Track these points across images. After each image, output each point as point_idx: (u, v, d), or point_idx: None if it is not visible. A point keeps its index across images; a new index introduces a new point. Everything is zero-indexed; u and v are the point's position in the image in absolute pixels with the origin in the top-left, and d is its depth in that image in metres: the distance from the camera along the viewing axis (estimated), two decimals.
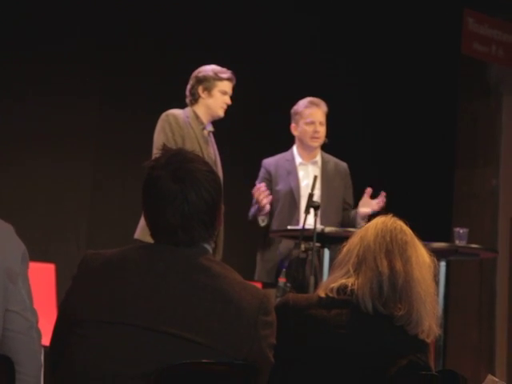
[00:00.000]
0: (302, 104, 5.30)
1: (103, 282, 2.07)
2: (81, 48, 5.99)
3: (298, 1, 7.03)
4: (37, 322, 2.19)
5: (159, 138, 4.79)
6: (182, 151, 2.23)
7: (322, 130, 5.26)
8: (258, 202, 4.99)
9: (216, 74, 4.91)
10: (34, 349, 2.17)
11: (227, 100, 4.93)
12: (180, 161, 2.15)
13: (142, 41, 6.25)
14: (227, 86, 4.93)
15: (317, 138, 5.25)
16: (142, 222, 4.71)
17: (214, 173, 2.16)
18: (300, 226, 4.66)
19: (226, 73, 4.94)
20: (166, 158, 2.15)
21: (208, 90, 4.91)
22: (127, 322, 2.01)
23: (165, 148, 2.22)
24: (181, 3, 6.44)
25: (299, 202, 5.18)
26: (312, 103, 5.28)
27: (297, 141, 5.36)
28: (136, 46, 6.23)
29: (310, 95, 5.39)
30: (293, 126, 5.33)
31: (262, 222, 5.13)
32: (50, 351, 2.14)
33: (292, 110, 5.33)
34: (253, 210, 5.11)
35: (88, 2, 6.02)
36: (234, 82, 4.96)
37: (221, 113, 4.94)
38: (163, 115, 4.85)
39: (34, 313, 2.18)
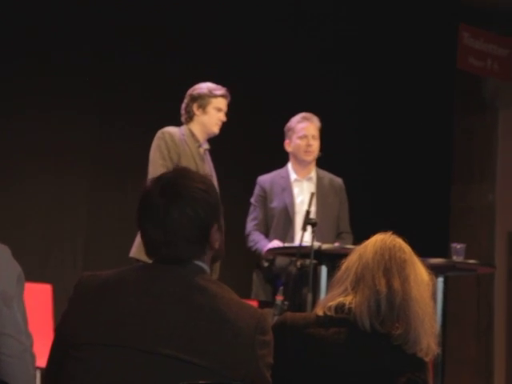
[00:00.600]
0: (295, 120, 5.33)
1: (99, 303, 2.05)
2: (78, 63, 6.00)
3: (292, 17, 7.04)
4: (31, 346, 2.18)
5: (155, 156, 4.80)
6: (182, 168, 2.23)
7: (316, 144, 5.28)
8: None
9: (210, 91, 4.93)
10: (29, 372, 2.15)
11: (222, 117, 4.95)
12: (172, 176, 2.16)
13: (140, 57, 6.27)
14: (221, 103, 4.95)
15: (310, 151, 5.27)
16: (138, 240, 4.71)
17: (207, 192, 2.13)
18: (296, 244, 4.65)
19: (220, 90, 4.95)
20: (163, 174, 2.16)
21: (203, 107, 4.92)
22: (124, 344, 2.00)
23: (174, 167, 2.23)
24: (177, 21, 6.46)
25: (294, 218, 5.19)
26: (304, 118, 5.31)
27: (291, 157, 5.37)
28: (134, 63, 6.24)
29: (306, 111, 5.41)
30: (286, 142, 5.35)
31: (265, 263, 5.15)
32: (46, 374, 2.12)
33: (285, 127, 5.36)
34: (260, 246, 5.12)
35: (86, 17, 6.04)
36: (229, 98, 4.98)
37: (216, 130, 4.95)
38: (159, 133, 4.86)
39: (29, 336, 2.17)
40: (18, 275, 2.15)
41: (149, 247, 2.14)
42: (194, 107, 4.94)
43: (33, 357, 2.18)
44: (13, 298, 2.11)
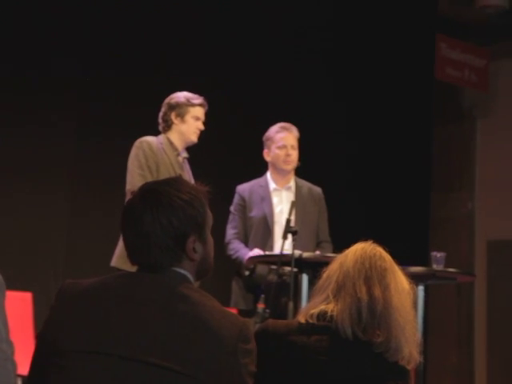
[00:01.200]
0: (274, 129, 5.34)
1: (82, 311, 2.05)
2: (56, 76, 5.98)
3: (273, 24, 7.06)
4: (12, 354, 2.16)
5: (133, 165, 4.80)
6: (174, 177, 2.26)
7: (294, 154, 5.29)
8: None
9: (188, 100, 4.94)
10: (10, 381, 2.13)
11: (200, 125, 4.96)
12: (156, 183, 2.18)
13: (118, 67, 6.26)
14: (199, 112, 4.96)
15: (289, 161, 5.28)
16: (119, 249, 4.70)
17: (189, 203, 2.12)
18: (277, 252, 4.66)
19: (198, 99, 4.97)
20: (150, 182, 2.19)
21: (181, 116, 4.93)
22: (106, 351, 1.99)
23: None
24: (155, 32, 6.46)
25: (273, 228, 5.20)
26: (283, 128, 5.32)
27: (270, 166, 5.38)
28: (111, 73, 6.23)
29: (285, 119, 5.43)
30: (265, 151, 5.36)
31: (246, 271, 5.16)
32: (28, 382, 2.11)
33: (264, 137, 5.38)
34: (241, 255, 5.13)
35: (65, 30, 6.02)
36: (206, 107, 4.99)
37: (194, 138, 4.96)
38: (137, 142, 4.87)
39: (10, 344, 2.15)
40: None
41: (128, 252, 2.16)
42: (172, 116, 4.94)
43: (14, 365, 2.16)
44: None
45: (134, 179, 4.70)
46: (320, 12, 7.39)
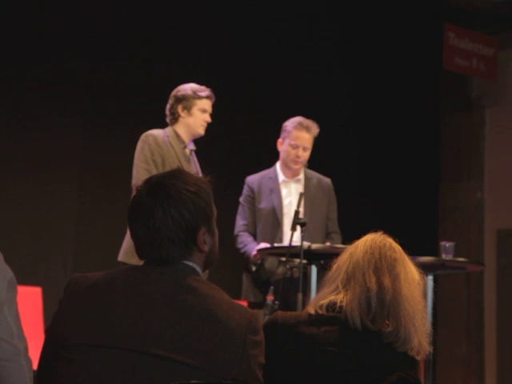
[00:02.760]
0: (293, 123, 5.25)
1: (90, 305, 2.05)
2: (63, 70, 5.98)
3: (282, 19, 7.05)
4: (26, 349, 2.17)
5: (138, 160, 4.81)
6: (176, 169, 2.23)
7: (305, 155, 5.25)
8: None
9: (195, 92, 4.92)
10: (24, 376, 2.14)
11: (207, 118, 4.94)
12: (163, 176, 2.16)
13: (125, 61, 6.26)
14: (206, 104, 4.94)
15: (298, 162, 5.24)
16: (125, 244, 4.71)
17: (197, 194, 2.13)
18: (286, 244, 4.65)
19: (204, 91, 4.95)
20: (155, 174, 2.18)
21: (187, 108, 4.92)
22: (115, 345, 1.99)
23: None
24: (162, 24, 6.45)
25: (282, 220, 5.19)
26: (302, 126, 5.22)
27: (280, 158, 5.35)
28: (119, 67, 6.23)
29: (295, 111, 5.38)
30: (279, 141, 5.32)
31: (253, 267, 5.15)
32: (37, 375, 2.12)
33: (284, 124, 5.31)
34: (249, 249, 5.13)
35: (71, 25, 6.02)
36: (213, 99, 4.97)
37: (201, 131, 4.95)
38: (142, 136, 4.87)
39: (23, 340, 2.16)
40: (9, 280, 2.14)
41: (137, 247, 2.14)
42: (179, 109, 4.93)
43: (28, 361, 2.17)
44: (3, 303, 2.10)
45: (139, 174, 4.71)
46: (327, 2, 7.38)
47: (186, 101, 4.92)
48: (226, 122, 5.44)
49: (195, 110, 4.92)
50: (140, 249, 2.13)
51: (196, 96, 4.92)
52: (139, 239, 2.12)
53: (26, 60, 5.87)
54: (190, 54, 6.51)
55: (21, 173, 5.84)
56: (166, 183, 2.12)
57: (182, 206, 2.09)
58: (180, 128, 4.94)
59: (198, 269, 2.13)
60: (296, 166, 5.27)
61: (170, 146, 4.86)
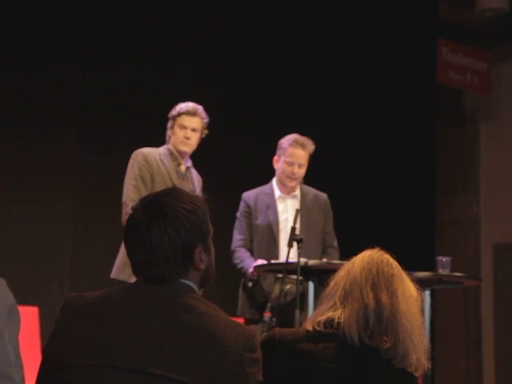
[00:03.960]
0: (288, 140, 5.26)
1: (87, 324, 2.04)
2: (57, 87, 5.99)
3: (280, 34, 7.07)
4: (22, 380, 2.14)
5: (128, 176, 4.90)
6: (172, 188, 2.23)
7: (300, 172, 5.26)
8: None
9: (177, 110, 4.98)
10: None
11: (187, 133, 4.95)
12: (158, 195, 2.16)
13: (120, 78, 6.27)
14: (185, 120, 4.96)
15: (293, 179, 5.25)
16: (118, 260, 4.73)
17: (193, 212, 2.12)
18: (282, 260, 4.65)
19: (185, 107, 4.97)
20: (151, 193, 2.17)
21: (172, 127, 5.01)
22: (113, 364, 1.98)
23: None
24: (158, 41, 6.47)
25: (278, 236, 5.19)
26: (297, 143, 5.22)
27: (276, 174, 5.36)
28: (114, 83, 6.24)
29: (292, 126, 5.40)
30: (275, 158, 5.33)
31: (250, 282, 5.15)
32: None
33: (279, 142, 5.32)
34: (246, 265, 5.13)
35: (66, 40, 6.03)
36: (199, 115, 4.97)
37: (182, 148, 4.97)
38: (133, 154, 4.96)
39: (20, 368, 2.13)
40: (10, 307, 2.12)
41: (133, 265, 2.14)
42: (168, 128, 5.02)
43: None
44: (3, 329, 2.08)
45: (128, 190, 4.81)
46: (322, 17, 7.40)
47: (171, 120, 5.02)
48: (222, 137, 5.45)
49: (175, 128, 4.98)
50: (137, 267, 2.12)
51: (176, 113, 4.98)
52: (136, 258, 2.11)
53: (19, 79, 5.87)
54: (187, 71, 6.52)
55: (16, 192, 5.84)
56: (162, 201, 2.12)
57: (178, 224, 2.09)
58: (172, 146, 4.99)
59: (195, 287, 2.13)
60: (291, 184, 5.28)
61: (162, 163, 4.90)
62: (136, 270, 2.13)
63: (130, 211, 2.15)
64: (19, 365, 2.13)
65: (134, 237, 2.10)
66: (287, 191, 5.34)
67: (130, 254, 2.13)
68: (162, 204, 2.11)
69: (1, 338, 2.06)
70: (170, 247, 2.08)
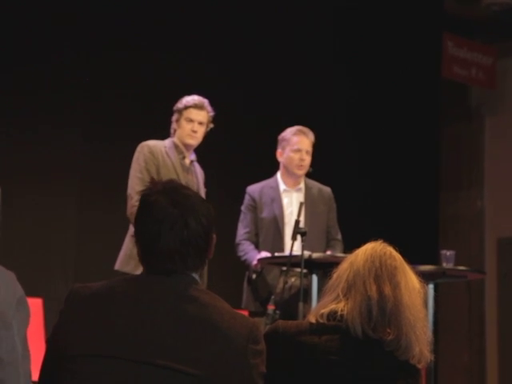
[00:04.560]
0: (290, 131, 5.31)
1: (91, 315, 2.05)
2: (62, 80, 5.99)
3: (283, 30, 7.06)
4: (28, 371, 2.15)
5: (133, 168, 4.90)
6: (174, 180, 2.24)
7: (308, 159, 5.28)
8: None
9: (183, 103, 4.98)
10: None
11: (194, 127, 4.96)
12: (176, 187, 2.16)
13: (125, 71, 6.26)
14: (192, 114, 4.96)
15: (302, 166, 5.27)
16: (122, 252, 4.74)
17: (207, 202, 2.17)
18: (286, 253, 4.66)
19: (192, 100, 4.98)
20: (162, 185, 2.15)
21: (178, 120, 5.01)
22: (117, 355, 1.99)
23: (152, 181, 2.23)
24: (162, 35, 6.46)
25: (283, 229, 5.20)
26: (300, 131, 5.29)
27: (281, 167, 5.37)
28: (119, 76, 6.24)
29: (295, 121, 5.42)
30: (279, 152, 5.34)
31: (254, 274, 5.16)
32: None
33: (279, 137, 5.35)
34: (250, 257, 5.14)
35: (73, 31, 6.04)
36: (205, 109, 4.98)
37: (189, 141, 4.97)
38: (139, 146, 4.96)
39: (26, 361, 2.14)
40: (19, 299, 2.13)
41: (157, 258, 2.09)
42: (174, 121, 5.02)
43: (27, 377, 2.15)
44: (11, 320, 2.09)
45: (133, 183, 4.81)
46: (326, 10, 7.39)
47: (176, 113, 5.01)
48: (225, 131, 5.45)
49: (182, 121, 4.98)
50: (164, 259, 2.08)
51: (182, 106, 4.98)
52: (166, 250, 2.07)
53: (24, 70, 5.87)
54: (191, 64, 6.51)
55: (20, 184, 5.84)
56: (185, 193, 2.13)
57: (206, 214, 2.11)
58: (177, 139, 5.00)
59: (198, 278, 2.14)
60: (300, 172, 5.29)
61: (167, 156, 4.91)
62: (162, 261, 2.09)
63: (136, 204, 2.15)
64: (26, 356, 2.13)
65: (168, 229, 2.06)
66: (292, 184, 5.35)
67: (157, 246, 2.08)
68: (186, 195, 2.12)
69: (9, 328, 2.07)
70: (203, 236, 2.09)
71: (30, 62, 5.89)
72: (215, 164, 5.87)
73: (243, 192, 5.38)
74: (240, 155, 6.71)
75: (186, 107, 4.96)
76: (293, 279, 5.02)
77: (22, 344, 2.09)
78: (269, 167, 5.46)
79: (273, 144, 5.42)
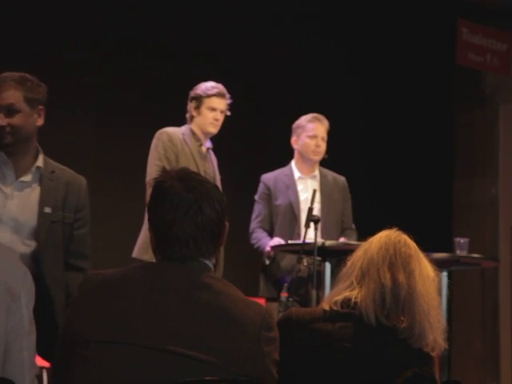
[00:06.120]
0: (305, 118, 5.34)
1: (105, 302, 2.06)
2: (75, 68, 5.99)
3: (296, 16, 7.04)
4: (32, 346, 2.16)
5: (152, 156, 4.86)
6: (187, 168, 2.25)
7: (323, 146, 5.31)
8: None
9: (204, 91, 4.95)
10: (24, 368, 2.14)
11: (217, 116, 4.95)
12: (189, 173, 2.17)
13: (139, 58, 6.26)
14: (215, 102, 4.95)
15: (319, 152, 5.30)
16: (140, 240, 4.74)
17: (219, 189, 2.18)
18: (300, 240, 4.66)
19: (214, 89, 4.96)
20: (176, 172, 2.16)
21: (198, 108, 4.96)
22: (130, 341, 2.00)
23: (165, 170, 2.25)
24: (177, 20, 6.46)
25: (299, 216, 5.20)
26: (315, 118, 5.33)
27: (296, 155, 5.37)
28: (133, 63, 6.23)
29: (309, 110, 5.43)
30: (293, 139, 5.35)
31: (267, 260, 5.17)
32: (53, 373, 2.12)
33: (294, 125, 5.36)
34: (262, 244, 5.15)
35: (84, 20, 6.03)
36: (226, 96, 4.97)
37: (211, 129, 4.96)
38: (157, 133, 4.92)
39: (31, 336, 2.16)
40: (25, 272, 2.17)
41: (171, 243, 2.10)
42: (192, 108, 4.99)
43: (30, 350, 2.17)
44: (19, 293, 2.12)
45: (152, 170, 4.76)
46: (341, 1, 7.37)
47: (196, 100, 4.97)
48: (239, 120, 5.44)
49: (204, 109, 4.95)
50: (179, 245, 2.09)
51: (204, 95, 4.95)
52: (181, 236, 2.08)
53: (38, 55, 5.87)
54: (205, 52, 6.50)
55: None
56: (199, 179, 2.15)
57: (220, 200, 2.12)
58: (194, 127, 4.98)
59: (211, 266, 2.14)
60: (316, 157, 5.31)
61: (185, 143, 4.89)
62: (176, 247, 2.09)
63: None
64: (32, 332, 2.16)
65: (183, 214, 2.07)
66: (307, 171, 5.35)
67: (171, 231, 2.08)
68: (200, 181, 2.13)
69: (18, 300, 2.10)
70: (217, 222, 2.10)
71: (43, 46, 5.89)
72: (229, 152, 5.86)
73: (257, 180, 5.38)
74: (254, 143, 6.70)
75: (209, 96, 4.94)
76: (308, 267, 5.01)
77: (28, 318, 2.12)
78: (283, 156, 5.46)
79: (287, 133, 5.41)
